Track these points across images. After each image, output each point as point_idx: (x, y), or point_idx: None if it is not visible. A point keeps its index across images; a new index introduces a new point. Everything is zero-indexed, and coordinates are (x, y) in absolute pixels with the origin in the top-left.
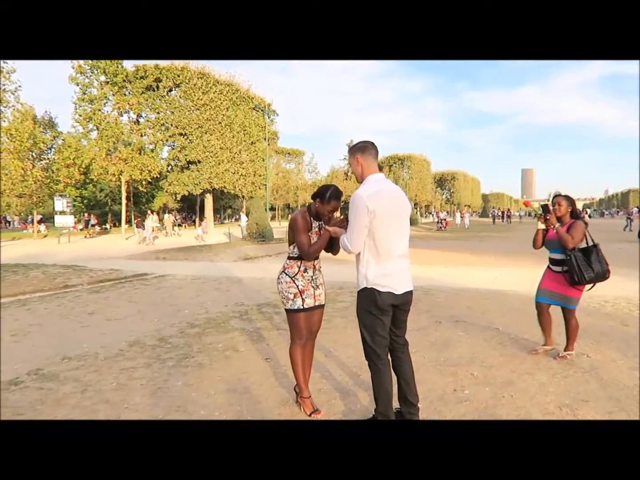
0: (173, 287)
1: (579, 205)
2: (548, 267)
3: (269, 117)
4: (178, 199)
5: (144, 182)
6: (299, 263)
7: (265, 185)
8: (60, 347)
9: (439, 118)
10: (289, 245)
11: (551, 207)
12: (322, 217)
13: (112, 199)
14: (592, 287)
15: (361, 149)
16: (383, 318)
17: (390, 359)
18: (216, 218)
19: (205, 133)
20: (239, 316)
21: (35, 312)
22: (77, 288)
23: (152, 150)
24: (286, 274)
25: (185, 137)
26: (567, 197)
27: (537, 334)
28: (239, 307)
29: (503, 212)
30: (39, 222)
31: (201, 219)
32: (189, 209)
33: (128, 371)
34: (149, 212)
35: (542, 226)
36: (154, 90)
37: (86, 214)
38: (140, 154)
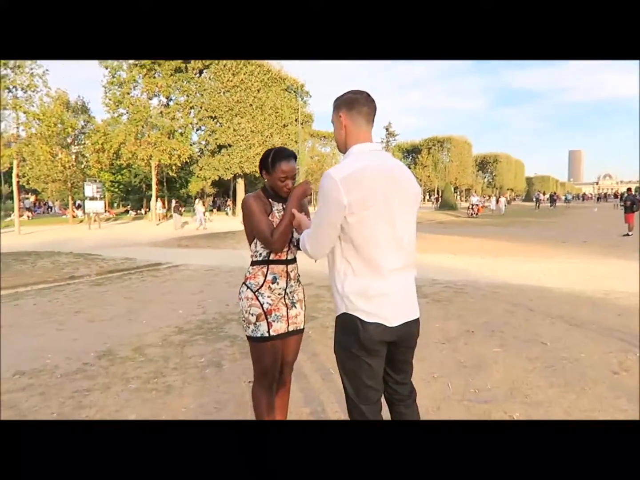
0: (182, 280)
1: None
2: None
3: (301, 99)
4: (209, 184)
5: (174, 167)
6: (264, 269)
7: (299, 169)
8: (20, 357)
9: (479, 96)
10: (250, 245)
11: None
12: (279, 192)
13: (147, 184)
14: None
15: (347, 102)
16: (371, 361)
17: (390, 415)
18: None
19: (236, 116)
20: (237, 319)
21: (22, 308)
22: (81, 280)
23: (181, 134)
24: (247, 287)
25: (215, 120)
26: None
27: (598, 351)
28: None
29: (551, 196)
30: (78, 207)
31: (235, 204)
32: (224, 194)
33: (80, 395)
34: (197, 199)
35: None
36: (182, 72)
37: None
38: (169, 137)
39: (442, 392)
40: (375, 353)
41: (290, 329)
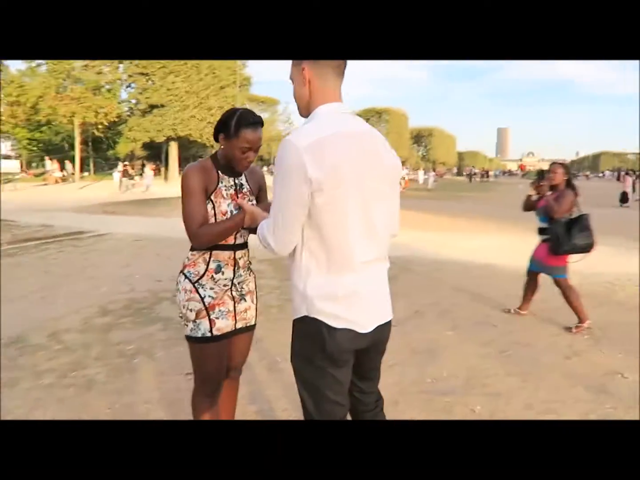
0: (106, 252)
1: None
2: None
3: (240, 61)
4: (139, 146)
5: (100, 126)
6: (206, 256)
7: None
8: None
9: (423, 68)
10: None
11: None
12: (236, 165)
13: (70, 143)
14: (580, 259)
15: None
16: (337, 373)
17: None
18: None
19: (170, 74)
20: (170, 297)
21: None
22: None
23: (109, 91)
24: (185, 277)
25: (147, 77)
26: (564, 165)
27: (547, 333)
28: (175, 282)
29: (486, 171)
30: None
31: (167, 168)
32: (156, 158)
33: None
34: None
35: (533, 193)
36: None
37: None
38: (95, 94)
39: (398, 383)
40: (342, 364)
41: (239, 326)
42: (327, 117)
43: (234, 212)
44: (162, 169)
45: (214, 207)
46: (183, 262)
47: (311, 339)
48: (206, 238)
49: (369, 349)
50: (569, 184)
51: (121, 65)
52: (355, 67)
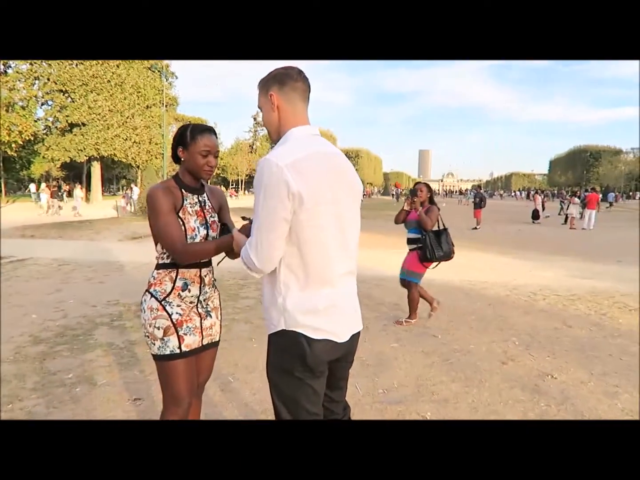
0: (30, 278)
1: (468, 186)
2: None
3: (167, 80)
4: (57, 165)
5: (13, 145)
6: (173, 274)
7: (163, 154)
8: None
9: (346, 92)
10: (156, 245)
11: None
12: (199, 172)
13: None
14: (438, 264)
15: (278, 78)
16: (315, 384)
17: None
18: (108, 189)
19: (91, 92)
20: (108, 322)
21: None
22: None
23: (23, 108)
24: (151, 295)
25: (66, 95)
26: (427, 185)
27: (483, 341)
28: (111, 307)
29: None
30: None
31: (88, 190)
32: (75, 178)
33: None
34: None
35: (407, 208)
36: None
37: None
38: (7, 111)
39: (352, 396)
40: (320, 374)
41: (205, 342)
42: (300, 139)
43: (200, 228)
44: (84, 190)
45: (183, 224)
46: (148, 281)
47: (290, 352)
48: (188, 258)
49: (341, 359)
50: (432, 201)
51: (37, 82)
52: None
